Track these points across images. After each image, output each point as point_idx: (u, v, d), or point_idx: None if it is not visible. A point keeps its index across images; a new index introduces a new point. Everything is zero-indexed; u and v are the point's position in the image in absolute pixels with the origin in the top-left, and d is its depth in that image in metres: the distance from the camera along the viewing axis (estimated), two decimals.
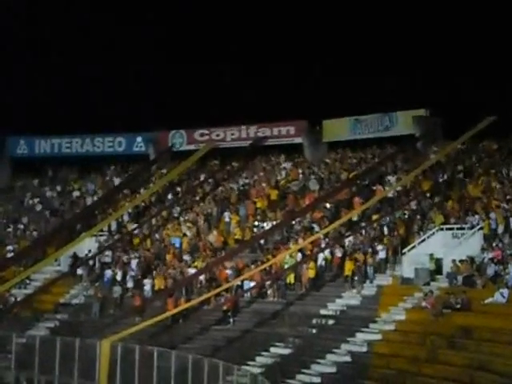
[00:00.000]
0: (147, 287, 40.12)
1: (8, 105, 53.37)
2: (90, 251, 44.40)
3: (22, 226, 49.36)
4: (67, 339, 33.18)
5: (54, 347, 32.61)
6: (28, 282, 44.07)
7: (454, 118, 40.98)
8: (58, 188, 52.56)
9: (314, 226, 39.77)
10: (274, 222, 41.63)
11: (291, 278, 37.40)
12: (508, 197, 35.33)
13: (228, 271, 38.83)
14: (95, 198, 49.79)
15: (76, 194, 51.41)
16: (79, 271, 43.89)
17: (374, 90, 46.55)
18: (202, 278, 39.09)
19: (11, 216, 50.75)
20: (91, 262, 44.14)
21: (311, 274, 36.97)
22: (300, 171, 45.84)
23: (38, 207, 51.31)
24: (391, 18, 49.53)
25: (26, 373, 33.32)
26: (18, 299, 42.44)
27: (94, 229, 44.56)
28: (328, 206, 40.89)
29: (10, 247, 46.77)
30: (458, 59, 46.11)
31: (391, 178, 41.16)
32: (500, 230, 34.04)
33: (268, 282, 37.91)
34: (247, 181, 46.84)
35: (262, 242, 40.87)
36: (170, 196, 48.38)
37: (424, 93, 44.29)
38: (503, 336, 27.83)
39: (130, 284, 41.29)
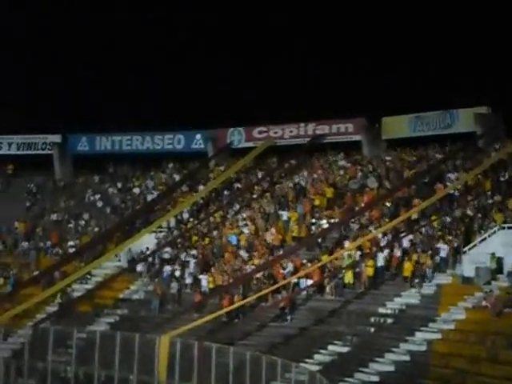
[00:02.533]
0: (204, 283, 40.38)
1: (70, 103, 54.34)
2: (147, 248, 44.80)
3: (83, 222, 50.04)
4: (127, 334, 33.48)
5: (114, 342, 32.91)
6: (89, 277, 44.66)
7: None
8: (119, 185, 53.13)
9: (373, 224, 39.54)
10: (332, 220, 41.50)
11: (350, 277, 37.23)
12: None
13: (285, 269, 38.81)
14: (155, 195, 50.24)
15: (136, 190, 51.92)
16: (139, 267, 44.34)
17: (435, 87, 46.11)
18: (259, 275, 39.16)
19: (73, 212, 51.48)
20: (151, 258, 44.57)
21: (370, 272, 36.78)
22: (358, 169, 45.60)
23: (99, 203, 51.94)
24: (453, 14, 49.01)
25: (86, 367, 33.75)
26: (79, 294, 43.10)
27: (153, 225, 44.97)
28: (387, 204, 40.59)
29: (71, 243, 47.51)
30: None
31: (452, 176, 40.68)
32: None
33: (326, 280, 37.81)
34: (305, 178, 46.75)
35: (319, 240, 40.77)
36: (227, 193, 48.58)
37: (486, 90, 43.71)
38: None
39: (188, 280, 41.58)
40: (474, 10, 48.38)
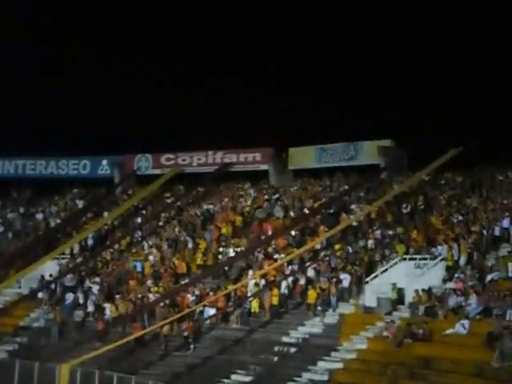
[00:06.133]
0: (108, 312, 39.82)
1: None
2: (50, 275, 43.98)
3: None
4: (26, 362, 32.86)
5: (13, 370, 32.25)
6: None
7: (419, 149, 41.32)
8: (21, 210, 52.11)
9: (278, 253, 39.80)
10: (239, 249, 41.60)
11: (256, 305, 37.29)
12: (472, 229, 35.65)
13: (190, 297, 38.64)
14: (58, 221, 49.41)
15: (39, 216, 51.00)
16: (40, 294, 43.43)
17: (340, 120, 46.98)
18: (164, 303, 38.84)
19: None
20: (53, 286, 43.71)
21: (274, 301, 36.91)
22: (265, 198, 45.93)
23: (0, 228, 50.76)
24: (361, 50, 50.09)
25: None
26: None
27: (56, 251, 44.20)
28: (292, 233, 40.96)
29: None
30: (424, 91, 46.66)
31: (356, 207, 41.37)
32: (462, 261, 34.31)
33: (231, 309, 37.77)
34: (212, 206, 46.81)
35: (225, 268, 40.77)
36: (134, 220, 48.17)
37: (389, 123, 44.74)
38: (463, 367, 27.95)
39: (90, 308, 40.92)
40: (378, 45, 49.57)
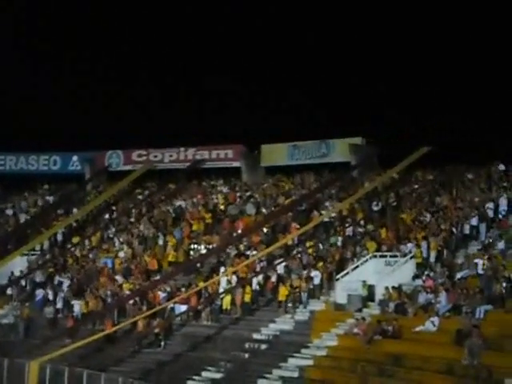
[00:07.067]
0: (76, 308, 39.62)
1: None
2: (20, 271, 43.68)
3: None
4: None
5: None
6: None
7: (390, 147, 41.58)
8: None
9: (250, 250, 39.82)
10: (210, 246, 41.58)
11: (227, 302, 37.29)
12: (442, 226, 35.89)
13: (161, 294, 38.56)
14: (28, 217, 49.08)
15: (9, 211, 50.62)
16: (9, 290, 43.12)
17: (312, 118, 47.16)
18: (135, 300, 38.71)
19: None
20: (23, 282, 43.42)
21: (246, 298, 36.93)
22: (237, 195, 45.94)
23: None
24: (333, 48, 50.29)
25: None
26: None
27: (25, 247, 43.91)
28: (264, 230, 41.01)
29: None
30: (395, 90, 46.94)
31: (327, 204, 41.51)
32: (432, 258, 34.55)
33: (202, 306, 37.73)
34: (184, 203, 46.73)
35: (197, 265, 40.74)
36: (105, 216, 47.96)
37: (361, 121, 44.99)
38: (433, 364, 28.11)
39: (59, 305, 40.69)
40: (350, 44, 49.79)
